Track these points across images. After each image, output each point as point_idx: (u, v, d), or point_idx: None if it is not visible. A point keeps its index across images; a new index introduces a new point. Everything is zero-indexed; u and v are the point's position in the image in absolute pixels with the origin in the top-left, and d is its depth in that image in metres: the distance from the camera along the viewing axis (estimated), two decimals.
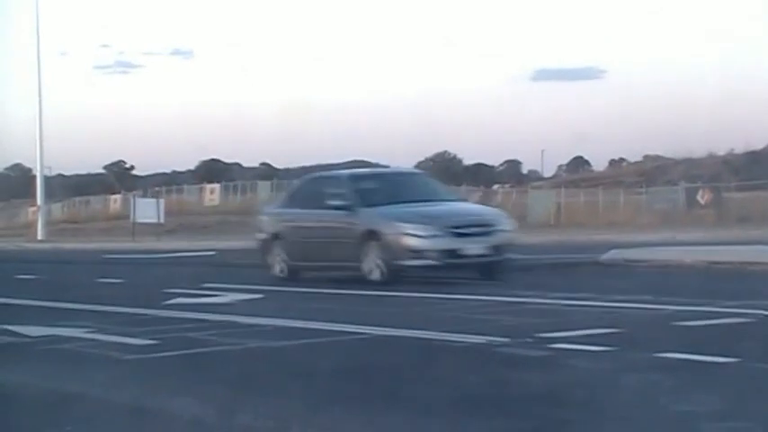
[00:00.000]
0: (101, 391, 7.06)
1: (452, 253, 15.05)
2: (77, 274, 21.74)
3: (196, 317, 11.28)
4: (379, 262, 15.14)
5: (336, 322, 10.25)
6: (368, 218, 15.53)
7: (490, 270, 15.32)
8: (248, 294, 14.07)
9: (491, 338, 8.68)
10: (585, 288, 13.22)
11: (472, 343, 8.59)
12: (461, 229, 15.20)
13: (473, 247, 15.13)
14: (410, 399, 6.51)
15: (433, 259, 15.05)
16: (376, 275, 15.11)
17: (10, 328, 10.61)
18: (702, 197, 44.13)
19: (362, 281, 14.95)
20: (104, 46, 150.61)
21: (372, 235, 15.30)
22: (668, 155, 62.44)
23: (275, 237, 16.97)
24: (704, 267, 16.18)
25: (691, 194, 44.78)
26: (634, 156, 73.18)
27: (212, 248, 32.04)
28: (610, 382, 6.84)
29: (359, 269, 15.31)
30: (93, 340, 9.61)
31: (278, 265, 16.77)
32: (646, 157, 68.78)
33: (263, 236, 17.42)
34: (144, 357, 8.54)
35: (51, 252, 36.61)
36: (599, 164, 79.34)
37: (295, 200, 17.43)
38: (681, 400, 6.07)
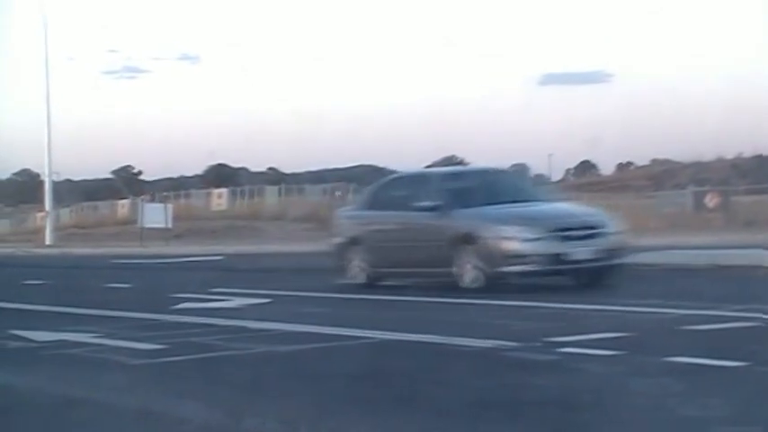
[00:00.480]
0: (108, 396, 7.06)
1: (557, 258, 13.84)
2: (85, 279, 21.78)
3: (204, 321, 11.29)
4: (475, 268, 13.96)
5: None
6: (461, 219, 14.39)
7: (599, 276, 14.16)
8: (257, 299, 14.08)
9: (499, 343, 8.67)
10: (593, 292, 13.18)
11: (481, 347, 8.58)
12: (567, 231, 14.03)
13: (580, 251, 13.93)
14: (418, 402, 6.50)
15: (536, 264, 13.87)
16: (470, 282, 13.94)
17: (18, 333, 10.63)
18: (710, 201, 44.05)
19: (454, 288, 13.80)
20: (112, 51, 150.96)
21: (467, 238, 14.15)
22: (677, 158, 62.37)
23: (353, 241, 15.82)
24: (712, 271, 16.14)
25: (698, 198, 44.70)
26: (642, 160, 73.12)
27: (220, 253, 32.10)
28: (619, 387, 6.82)
29: (450, 275, 14.16)
30: (100, 345, 9.62)
31: (355, 271, 15.65)
32: (654, 160, 68.71)
33: (338, 240, 16.23)
34: (152, 362, 8.55)
35: (59, 257, 36.68)
36: (606, 168, 79.26)
37: (376, 201, 16.16)
38: (689, 405, 6.05)
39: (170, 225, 44.73)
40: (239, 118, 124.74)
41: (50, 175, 55.07)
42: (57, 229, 55.41)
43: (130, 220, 55.29)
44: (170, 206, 47.90)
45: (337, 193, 57.18)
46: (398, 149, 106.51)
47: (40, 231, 57.23)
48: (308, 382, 7.38)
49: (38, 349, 9.65)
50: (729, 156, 58.46)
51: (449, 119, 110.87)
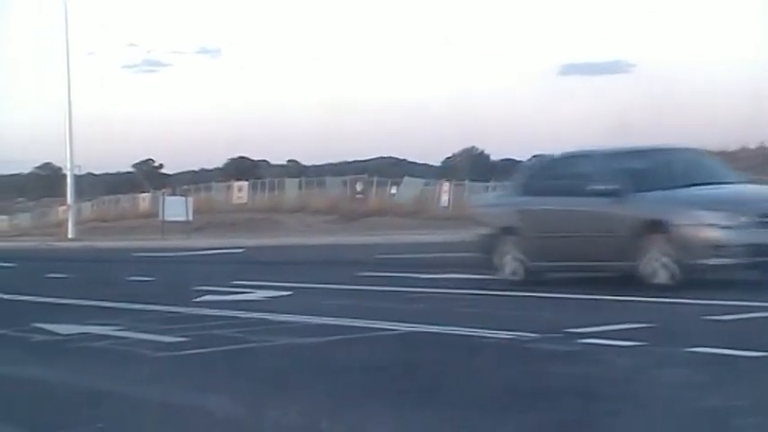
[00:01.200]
0: (132, 389, 7.10)
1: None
2: (108, 273, 21.87)
3: (226, 314, 11.32)
4: (665, 261, 12.15)
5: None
6: (646, 205, 12.59)
7: None
8: (278, 291, 14.10)
9: (521, 334, 8.66)
10: (614, 282, 13.11)
11: (501, 338, 8.57)
12: None
13: None
14: (440, 395, 6.50)
15: (741, 257, 11.98)
16: (660, 277, 12.14)
17: (42, 326, 10.70)
18: None
19: (636, 284, 12.14)
20: (132, 45, 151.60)
21: (655, 226, 12.32)
22: (701, 148, 61.93)
23: (505, 231, 13.98)
24: None
25: None
26: None
27: (241, 246, 32.19)
28: (640, 378, 6.80)
29: (633, 270, 12.36)
30: (124, 338, 9.66)
31: (509, 265, 13.84)
32: None
33: (486, 231, 14.40)
34: (174, 354, 8.58)
35: (82, 251, 36.85)
36: None
37: (533, 186, 14.21)
38: (710, 395, 6.02)
39: (191, 218, 44.90)
40: (259, 111, 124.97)
41: (72, 168, 55.28)
42: (79, 222, 55.63)
43: (151, 214, 55.48)
44: (190, 199, 48.09)
45: (358, 186, 57.14)
46: (419, 142, 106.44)
47: (62, 225, 57.49)
48: (329, 375, 7.39)
49: (62, 342, 9.70)
50: (752, 145, 58.10)
51: (469, 111, 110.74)
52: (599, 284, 12.64)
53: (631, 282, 12.25)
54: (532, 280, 13.47)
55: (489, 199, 15.68)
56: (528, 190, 14.27)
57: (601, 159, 13.65)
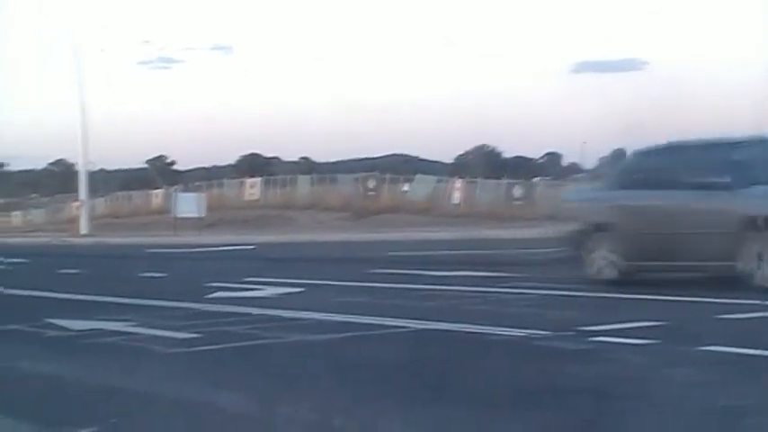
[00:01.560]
0: (144, 384, 7.12)
1: None
2: (120, 269, 21.95)
3: (238, 310, 11.35)
4: None
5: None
6: (757, 200, 11.84)
7: None
8: (290, 288, 14.13)
9: (532, 332, 8.66)
10: (628, 279, 13.11)
11: (512, 336, 8.57)
12: None
13: None
14: (451, 392, 6.50)
15: None
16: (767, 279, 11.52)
17: (54, 321, 10.74)
18: None
19: (745, 285, 11.48)
20: (146, 42, 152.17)
21: (765, 224, 11.65)
22: None
23: (597, 228, 13.20)
24: None
25: None
26: None
27: (252, 242, 32.26)
28: (648, 376, 6.79)
29: (741, 270, 11.69)
30: (136, 334, 9.69)
31: (600, 263, 13.11)
32: None
33: (576, 227, 13.57)
34: (187, 351, 8.60)
35: (94, 247, 36.97)
36: None
37: (629, 178, 13.34)
38: (721, 394, 6.01)
39: (203, 215, 45.08)
40: (271, 108, 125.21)
41: (85, 164, 55.49)
42: (92, 218, 55.84)
43: (164, 210, 55.70)
44: (203, 196, 48.31)
45: (370, 183, 57.20)
46: (431, 139, 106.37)
47: (75, 221, 57.72)
48: (341, 372, 7.41)
49: (74, 338, 9.73)
50: None
51: (481, 109, 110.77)
52: (693, 285, 11.99)
53: (738, 283, 11.61)
54: (625, 280, 12.71)
55: (581, 192, 14.70)
56: (624, 183, 13.37)
57: (708, 150, 12.76)
